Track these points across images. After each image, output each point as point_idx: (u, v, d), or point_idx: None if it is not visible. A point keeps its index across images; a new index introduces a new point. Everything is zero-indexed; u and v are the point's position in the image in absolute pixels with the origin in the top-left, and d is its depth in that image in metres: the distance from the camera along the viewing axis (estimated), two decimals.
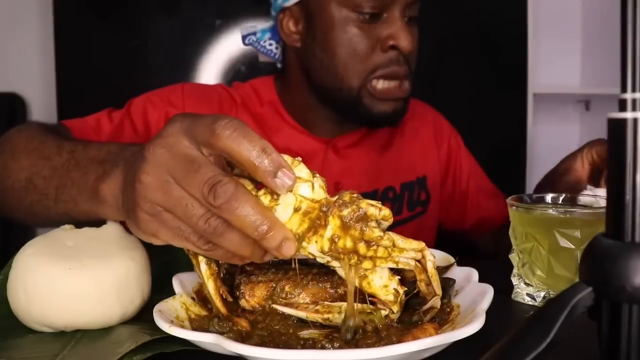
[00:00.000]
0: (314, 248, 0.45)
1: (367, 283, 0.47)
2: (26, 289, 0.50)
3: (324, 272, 0.55)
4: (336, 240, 0.45)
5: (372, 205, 0.45)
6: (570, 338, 0.34)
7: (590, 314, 0.32)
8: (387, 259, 0.46)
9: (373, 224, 0.45)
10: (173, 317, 0.48)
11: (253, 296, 0.53)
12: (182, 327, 0.47)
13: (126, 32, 1.90)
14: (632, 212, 0.30)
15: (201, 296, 0.56)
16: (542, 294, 0.61)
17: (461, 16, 2.01)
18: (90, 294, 0.50)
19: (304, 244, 0.45)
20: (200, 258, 0.49)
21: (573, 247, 0.57)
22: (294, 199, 0.44)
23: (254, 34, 1.02)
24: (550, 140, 2.31)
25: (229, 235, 0.44)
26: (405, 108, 0.94)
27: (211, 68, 1.93)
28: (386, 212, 0.46)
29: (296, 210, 0.44)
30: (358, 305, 0.47)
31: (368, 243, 0.45)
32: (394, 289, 0.48)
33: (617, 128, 0.31)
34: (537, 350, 0.30)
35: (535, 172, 2.15)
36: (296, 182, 0.43)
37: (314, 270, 0.55)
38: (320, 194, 0.45)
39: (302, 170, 0.45)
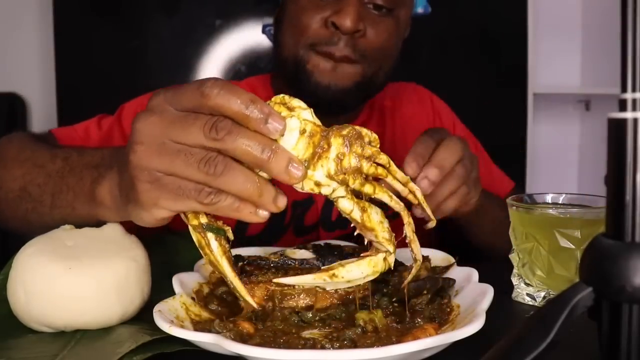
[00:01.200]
0: (320, 174, 0.46)
1: (367, 216, 0.49)
2: (26, 288, 0.50)
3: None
4: (341, 158, 0.46)
5: (363, 128, 0.49)
6: (570, 338, 0.34)
7: (590, 314, 0.32)
8: (386, 177, 0.49)
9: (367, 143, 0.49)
10: (173, 317, 0.48)
11: (253, 296, 0.53)
12: (182, 327, 0.47)
13: (126, 32, 1.90)
14: (632, 212, 0.30)
15: (201, 296, 0.56)
16: (542, 294, 0.61)
17: (461, 16, 2.01)
18: (90, 293, 0.50)
19: (310, 172, 0.46)
20: (210, 235, 0.47)
21: (573, 247, 0.57)
22: (298, 122, 0.45)
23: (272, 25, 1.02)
24: (550, 140, 2.31)
25: (233, 173, 0.44)
26: (352, 96, 0.87)
27: (211, 68, 1.93)
28: (375, 135, 0.49)
29: (302, 133, 0.45)
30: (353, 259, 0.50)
31: (369, 160, 0.48)
32: (387, 227, 0.50)
33: (617, 128, 0.31)
34: (537, 350, 0.30)
35: (535, 172, 2.15)
36: (296, 111, 0.46)
37: (314, 271, 0.55)
38: (318, 121, 0.47)
39: (300, 102, 0.47)
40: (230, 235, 0.48)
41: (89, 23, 1.88)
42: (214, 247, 0.47)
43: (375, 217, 0.49)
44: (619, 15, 0.30)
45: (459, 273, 0.58)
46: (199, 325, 0.49)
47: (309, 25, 0.85)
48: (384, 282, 0.55)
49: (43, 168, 0.68)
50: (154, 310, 0.48)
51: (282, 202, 0.46)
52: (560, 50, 2.26)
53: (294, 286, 0.53)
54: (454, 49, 2.04)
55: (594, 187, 2.14)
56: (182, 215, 0.48)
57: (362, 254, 0.51)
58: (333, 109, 0.88)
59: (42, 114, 1.98)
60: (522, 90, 2.05)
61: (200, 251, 0.48)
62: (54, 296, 0.50)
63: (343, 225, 0.93)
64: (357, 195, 0.49)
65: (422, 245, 0.73)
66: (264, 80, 1.03)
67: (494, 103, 2.02)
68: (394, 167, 0.50)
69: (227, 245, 0.48)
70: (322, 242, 0.67)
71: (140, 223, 0.50)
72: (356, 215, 0.48)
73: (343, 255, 0.61)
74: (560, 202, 0.65)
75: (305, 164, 0.46)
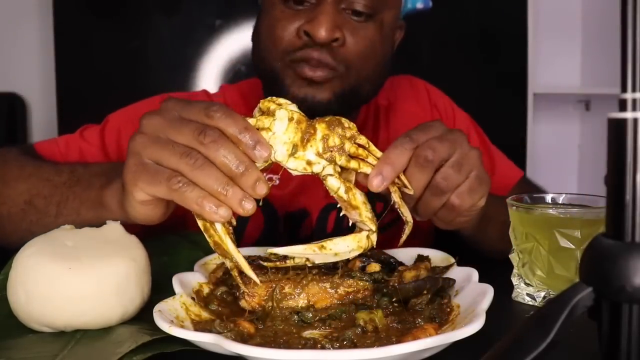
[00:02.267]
0: (310, 153, 0.53)
1: (352, 195, 0.54)
2: (26, 288, 0.50)
3: (324, 272, 0.55)
4: (327, 139, 0.54)
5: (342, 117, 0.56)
6: (570, 338, 0.34)
7: (590, 314, 0.32)
8: (366, 158, 0.55)
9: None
10: (173, 317, 0.48)
11: (253, 296, 0.53)
12: (182, 327, 0.47)
13: (126, 33, 1.90)
14: (632, 212, 0.30)
15: (201, 296, 0.56)
16: (542, 294, 0.61)
17: (461, 16, 2.02)
18: (90, 293, 0.50)
19: (301, 153, 0.53)
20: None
21: (573, 247, 0.57)
22: (286, 112, 0.53)
23: None
24: (550, 140, 2.31)
25: (209, 169, 0.49)
26: (333, 108, 0.79)
27: (211, 68, 1.93)
28: (352, 123, 0.56)
29: (290, 120, 0.53)
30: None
31: (351, 140, 0.55)
32: (370, 209, 0.55)
33: (617, 128, 0.31)
34: (537, 350, 0.30)
35: (535, 172, 2.15)
36: (283, 105, 0.54)
37: (313, 271, 0.55)
38: (302, 114, 0.54)
39: (286, 100, 0.55)
40: (233, 221, 0.52)
41: (89, 23, 1.88)
42: (218, 228, 0.51)
43: (359, 197, 0.55)
44: (619, 15, 0.30)
45: (459, 273, 0.58)
46: (199, 326, 0.49)
47: (282, 36, 0.79)
48: (384, 282, 0.55)
49: (49, 181, 0.70)
50: (154, 310, 0.48)
51: (247, 206, 0.49)
52: (560, 51, 2.27)
53: (293, 288, 0.53)
54: (454, 49, 2.04)
55: (594, 187, 2.14)
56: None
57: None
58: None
59: (42, 114, 1.98)
60: (522, 90, 2.05)
61: (205, 235, 0.52)
62: (54, 296, 0.50)
63: None
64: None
65: (422, 245, 0.73)
66: (256, 83, 0.98)
67: (494, 103, 2.02)
68: (373, 147, 0.56)
69: (230, 228, 0.52)
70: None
71: (132, 215, 0.56)
72: (342, 192, 0.54)
73: None
74: (560, 202, 0.65)
75: (297, 145, 0.53)
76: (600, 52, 2.18)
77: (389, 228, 0.92)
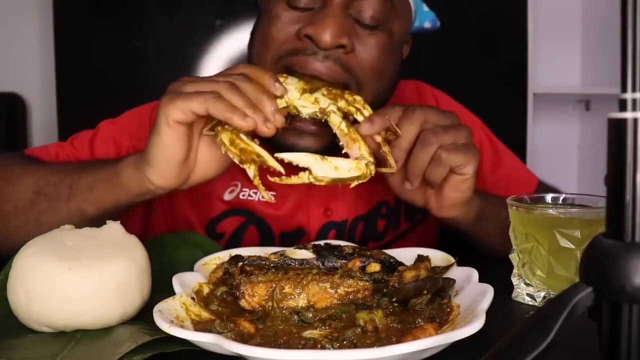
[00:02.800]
0: (317, 94, 0.64)
1: (352, 130, 0.62)
2: (26, 288, 0.50)
3: (324, 272, 0.55)
4: (330, 89, 0.66)
5: None
6: (570, 338, 0.34)
7: (590, 314, 0.32)
8: (362, 109, 0.65)
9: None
10: (173, 317, 0.48)
11: (253, 296, 0.53)
12: (182, 327, 0.47)
13: (126, 33, 1.90)
14: (632, 212, 0.30)
15: (201, 296, 0.56)
16: (542, 294, 0.61)
17: (461, 16, 2.01)
18: (90, 294, 0.50)
19: (308, 94, 0.64)
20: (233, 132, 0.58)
21: (573, 247, 0.57)
22: (295, 79, 0.67)
23: None
24: (550, 140, 2.31)
25: (239, 92, 0.58)
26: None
27: (211, 68, 1.93)
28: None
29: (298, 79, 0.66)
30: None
31: (350, 94, 0.66)
32: (368, 146, 0.62)
33: (617, 128, 0.31)
34: (537, 350, 0.30)
35: (536, 172, 2.14)
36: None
37: (314, 271, 0.55)
38: None
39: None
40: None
41: (89, 23, 1.88)
42: (243, 137, 0.58)
43: (358, 133, 0.62)
44: (619, 15, 0.30)
45: (459, 273, 0.58)
46: (199, 326, 0.49)
47: (279, 39, 0.73)
48: (384, 282, 0.55)
49: (59, 171, 0.72)
50: (154, 310, 0.48)
51: (269, 124, 0.58)
52: (560, 50, 2.26)
53: (294, 287, 0.53)
54: (454, 49, 2.04)
55: (594, 187, 2.14)
56: (211, 133, 0.62)
57: None
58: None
59: (42, 114, 1.98)
60: (522, 90, 2.05)
61: (231, 148, 0.58)
62: (54, 296, 0.50)
63: None
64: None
65: (422, 245, 0.73)
66: None
67: (494, 103, 2.02)
68: (367, 106, 0.65)
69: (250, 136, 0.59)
70: (322, 242, 0.67)
71: (151, 160, 0.62)
72: (344, 126, 0.62)
73: (343, 255, 0.61)
74: (560, 202, 0.65)
75: (305, 91, 0.64)
76: (600, 52, 2.18)
77: (397, 240, 0.92)
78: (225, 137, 0.58)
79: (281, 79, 0.64)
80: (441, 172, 0.65)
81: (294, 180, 0.58)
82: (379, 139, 0.64)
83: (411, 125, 0.64)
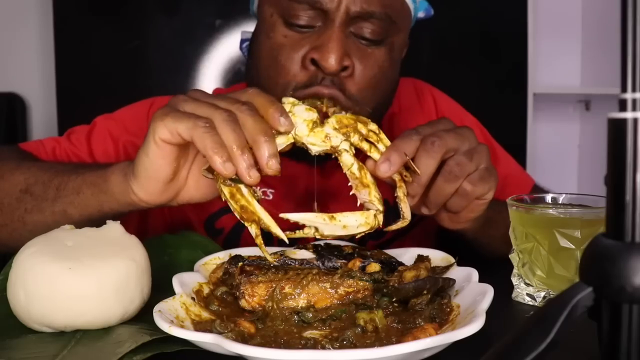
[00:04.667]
0: (328, 128, 0.58)
1: (364, 174, 0.57)
2: (26, 289, 0.50)
3: (324, 272, 0.55)
4: (341, 120, 0.59)
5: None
6: (570, 338, 0.34)
7: (590, 314, 0.32)
8: (377, 142, 0.59)
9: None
10: (173, 317, 0.48)
11: (253, 296, 0.53)
12: (182, 327, 0.47)
13: (126, 32, 1.90)
14: (632, 212, 0.30)
15: (201, 296, 0.56)
16: (542, 294, 0.61)
17: (461, 16, 2.01)
18: (90, 293, 0.50)
19: (319, 129, 0.57)
20: (239, 185, 0.53)
21: (573, 247, 0.57)
22: (303, 105, 0.59)
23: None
24: (550, 140, 2.31)
25: (235, 126, 0.52)
26: None
27: (211, 68, 1.93)
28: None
29: (307, 109, 0.58)
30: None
31: (363, 123, 0.59)
32: (379, 190, 0.58)
33: (617, 128, 0.31)
34: (537, 350, 0.30)
35: (536, 172, 2.15)
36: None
37: (314, 271, 0.55)
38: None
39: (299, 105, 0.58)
40: (258, 193, 0.55)
41: (89, 23, 1.88)
42: (245, 192, 0.53)
43: (370, 177, 0.57)
44: (619, 15, 0.30)
45: (459, 273, 0.58)
46: (199, 326, 0.49)
47: (287, 67, 0.73)
48: (384, 282, 0.55)
49: (50, 169, 0.70)
50: (154, 310, 0.48)
51: (253, 174, 0.52)
52: (560, 50, 2.27)
53: (294, 288, 0.53)
54: (454, 49, 2.04)
55: (594, 187, 2.14)
56: (209, 175, 0.57)
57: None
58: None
59: (42, 114, 1.98)
60: (522, 90, 2.05)
61: (231, 202, 0.54)
62: (54, 296, 0.50)
63: None
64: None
65: (422, 245, 0.73)
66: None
67: (494, 103, 2.02)
68: (383, 135, 0.60)
69: (252, 191, 0.55)
70: (322, 242, 0.67)
71: (138, 173, 0.59)
72: (355, 169, 0.57)
73: (343, 255, 0.61)
74: (560, 202, 0.65)
75: (315, 122, 0.57)
76: (600, 52, 2.18)
77: (396, 239, 0.91)
78: (225, 188, 0.54)
79: (289, 106, 0.57)
80: (465, 203, 0.63)
81: (299, 234, 0.57)
82: (395, 177, 0.60)
83: (431, 160, 0.59)
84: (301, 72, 0.73)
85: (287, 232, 0.55)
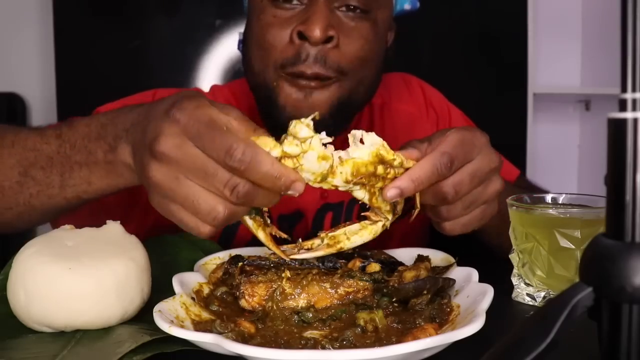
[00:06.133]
0: (339, 180, 0.51)
1: (375, 199, 0.54)
2: (26, 289, 0.50)
3: (324, 272, 0.55)
4: (358, 169, 0.51)
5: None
6: (570, 338, 0.34)
7: (590, 314, 0.32)
8: (398, 174, 0.53)
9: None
10: (173, 317, 0.48)
11: (253, 296, 0.53)
12: (182, 327, 0.47)
13: (126, 32, 1.90)
14: (632, 212, 0.30)
15: (201, 296, 0.56)
16: (542, 294, 0.61)
17: (461, 16, 2.01)
18: (90, 294, 0.50)
19: (330, 179, 0.50)
20: (244, 217, 0.53)
21: (573, 247, 0.57)
22: (315, 152, 0.49)
23: None
24: (550, 140, 2.31)
25: (256, 192, 0.48)
26: (328, 123, 0.75)
27: (211, 68, 1.93)
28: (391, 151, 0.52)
29: (319, 158, 0.49)
30: (356, 226, 0.56)
31: (384, 165, 0.52)
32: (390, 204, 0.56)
33: (617, 128, 0.31)
34: (537, 350, 0.30)
35: (536, 172, 2.15)
36: (307, 142, 0.49)
37: (314, 271, 0.55)
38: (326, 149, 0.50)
39: (305, 130, 0.48)
40: (267, 220, 0.55)
41: (89, 23, 1.88)
42: (250, 225, 0.53)
43: (381, 198, 0.55)
44: (619, 15, 0.30)
45: (459, 273, 0.58)
46: (200, 326, 0.49)
47: (275, 44, 0.76)
48: (384, 282, 0.55)
49: (39, 151, 0.65)
50: (154, 310, 0.48)
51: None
52: (560, 50, 2.27)
53: (294, 288, 0.53)
54: (454, 49, 2.04)
55: (594, 187, 2.14)
56: None
57: (362, 220, 0.57)
58: None
59: (42, 114, 1.98)
60: (522, 90, 2.05)
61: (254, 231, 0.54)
62: (54, 296, 0.50)
63: None
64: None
65: (422, 245, 0.73)
66: (246, 83, 0.92)
67: (494, 103, 2.02)
68: (405, 164, 0.53)
69: (260, 220, 0.54)
70: None
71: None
72: (366, 200, 0.54)
73: (343, 255, 0.61)
74: (560, 202, 0.65)
75: (325, 174, 0.50)
76: (600, 52, 2.18)
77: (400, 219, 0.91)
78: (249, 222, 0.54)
79: (298, 149, 0.48)
80: (478, 224, 0.62)
81: (309, 255, 0.56)
82: None
83: (437, 204, 0.58)
84: (288, 47, 0.76)
85: (302, 251, 0.56)
